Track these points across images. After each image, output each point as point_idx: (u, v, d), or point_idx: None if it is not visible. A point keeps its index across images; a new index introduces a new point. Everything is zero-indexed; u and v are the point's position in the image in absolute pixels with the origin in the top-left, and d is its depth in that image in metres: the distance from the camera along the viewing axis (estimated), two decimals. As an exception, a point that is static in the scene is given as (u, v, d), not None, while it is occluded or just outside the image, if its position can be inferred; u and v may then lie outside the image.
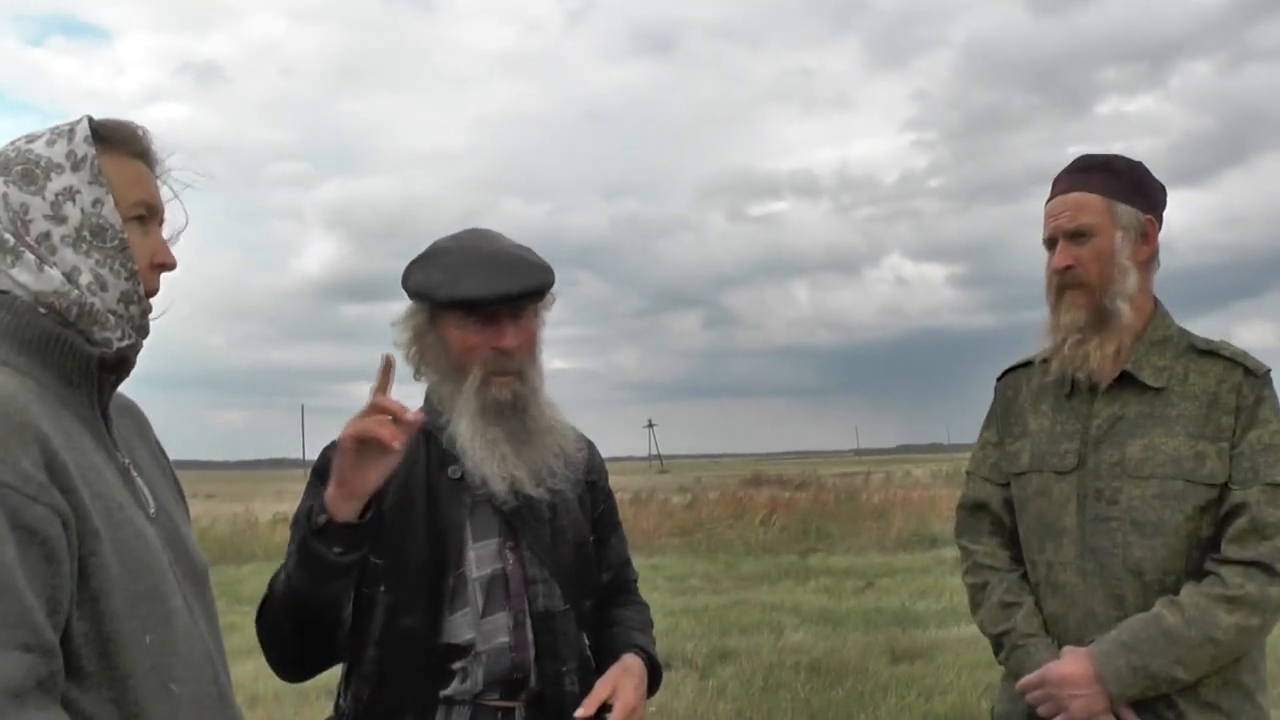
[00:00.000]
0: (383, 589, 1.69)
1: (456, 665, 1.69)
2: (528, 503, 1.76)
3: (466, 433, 1.74)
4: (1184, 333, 1.96)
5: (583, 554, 1.84)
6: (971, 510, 2.12)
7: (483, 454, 1.73)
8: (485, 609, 1.71)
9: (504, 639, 1.70)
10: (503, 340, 1.74)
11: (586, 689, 1.69)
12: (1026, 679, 1.87)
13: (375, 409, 1.51)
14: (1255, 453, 1.81)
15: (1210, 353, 1.90)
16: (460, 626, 1.69)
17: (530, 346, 1.80)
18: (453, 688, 1.68)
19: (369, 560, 1.68)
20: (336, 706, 1.78)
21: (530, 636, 1.72)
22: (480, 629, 1.69)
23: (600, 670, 1.75)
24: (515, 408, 1.76)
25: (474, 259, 1.76)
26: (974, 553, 2.08)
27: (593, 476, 1.93)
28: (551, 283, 1.80)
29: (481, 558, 1.73)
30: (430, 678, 1.68)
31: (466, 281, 1.72)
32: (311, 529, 1.54)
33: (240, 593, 9.82)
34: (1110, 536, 1.86)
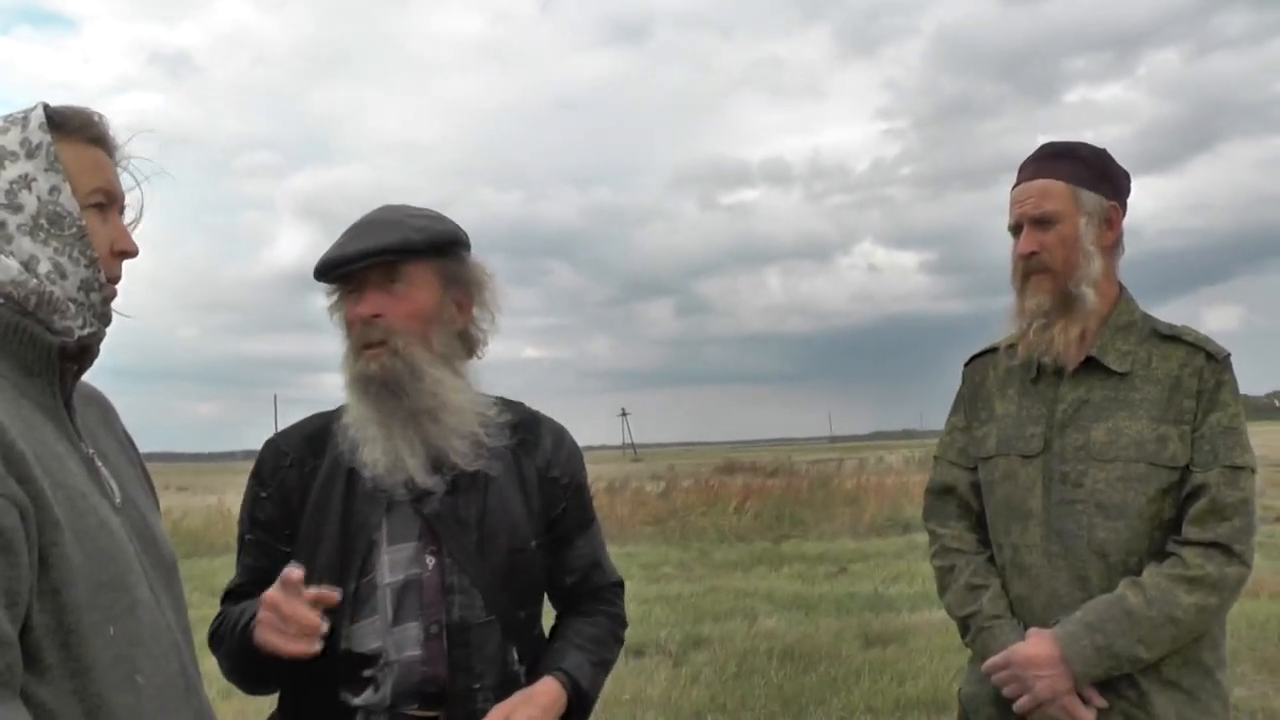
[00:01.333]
0: None
1: (366, 674, 1.60)
2: (452, 505, 1.64)
3: (350, 412, 1.65)
4: (1147, 318, 1.98)
5: (517, 560, 1.67)
6: (939, 494, 2.14)
7: (361, 433, 1.62)
8: (396, 618, 1.60)
9: (414, 651, 1.59)
10: (358, 307, 1.62)
11: None
12: (992, 660, 1.90)
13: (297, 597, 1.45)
14: (1215, 435, 1.84)
15: (1173, 337, 1.93)
16: (366, 635, 1.59)
17: (411, 316, 1.62)
18: (364, 697, 1.59)
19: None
20: (280, 702, 1.73)
21: (445, 649, 1.60)
22: (390, 638, 1.59)
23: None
24: (386, 385, 1.60)
25: (350, 229, 1.66)
26: (941, 536, 2.10)
27: (554, 473, 1.76)
28: (415, 241, 1.62)
29: (395, 562, 1.61)
30: (336, 685, 1.60)
31: (327, 251, 1.64)
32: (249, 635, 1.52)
33: (213, 585, 9.74)
34: (1075, 519, 1.88)
